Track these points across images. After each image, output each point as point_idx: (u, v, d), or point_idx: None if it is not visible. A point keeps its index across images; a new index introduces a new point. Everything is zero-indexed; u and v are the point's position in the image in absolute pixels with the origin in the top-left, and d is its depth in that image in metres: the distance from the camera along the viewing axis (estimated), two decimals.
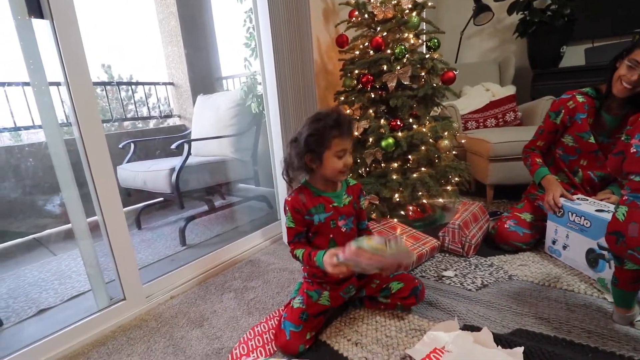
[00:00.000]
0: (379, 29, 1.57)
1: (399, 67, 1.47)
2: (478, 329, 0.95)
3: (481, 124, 2.39)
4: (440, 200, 1.55)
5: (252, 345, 1.00)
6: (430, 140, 1.53)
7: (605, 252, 1.14)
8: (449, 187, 1.57)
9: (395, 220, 1.56)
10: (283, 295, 1.25)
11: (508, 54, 2.92)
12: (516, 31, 2.68)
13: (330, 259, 0.90)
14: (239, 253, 1.58)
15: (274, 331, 1.04)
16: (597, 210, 1.17)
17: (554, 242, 1.34)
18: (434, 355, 0.86)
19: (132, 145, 2.20)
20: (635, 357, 0.85)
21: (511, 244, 1.40)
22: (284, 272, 1.42)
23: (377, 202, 1.51)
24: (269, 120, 1.58)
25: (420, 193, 1.50)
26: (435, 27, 1.57)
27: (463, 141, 1.69)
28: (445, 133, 1.57)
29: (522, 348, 0.87)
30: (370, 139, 1.52)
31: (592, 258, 1.19)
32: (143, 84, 3.15)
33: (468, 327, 0.98)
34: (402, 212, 1.60)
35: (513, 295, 1.14)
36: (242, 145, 2.22)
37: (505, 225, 1.42)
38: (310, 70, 1.53)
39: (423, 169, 1.55)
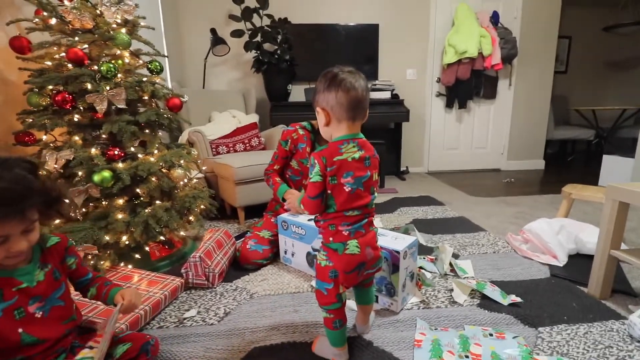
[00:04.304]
0: (77, 38, 1.28)
1: (109, 88, 1.24)
2: None
3: (231, 148, 2.52)
4: (182, 233, 1.44)
5: None
6: (164, 170, 1.39)
7: (317, 253, 1.40)
8: (192, 217, 1.49)
9: (130, 267, 1.31)
10: None
11: (250, 86, 3.28)
12: (253, 67, 3.06)
13: None
14: None
15: None
16: (309, 220, 1.42)
17: (285, 252, 1.54)
18: None
19: None
20: None
21: (253, 262, 1.48)
22: None
23: (97, 252, 1.20)
24: None
25: (157, 230, 1.33)
26: (155, 50, 1.46)
27: (204, 168, 1.67)
28: (182, 161, 1.49)
29: None
30: (80, 173, 1.20)
31: (310, 259, 1.44)
32: None
33: None
34: (138, 256, 1.36)
35: (252, 314, 1.18)
36: None
37: (247, 246, 1.49)
38: None
39: (158, 202, 1.38)
